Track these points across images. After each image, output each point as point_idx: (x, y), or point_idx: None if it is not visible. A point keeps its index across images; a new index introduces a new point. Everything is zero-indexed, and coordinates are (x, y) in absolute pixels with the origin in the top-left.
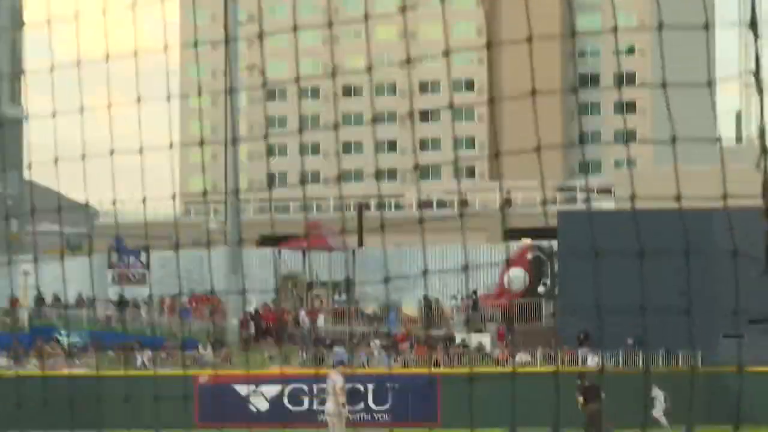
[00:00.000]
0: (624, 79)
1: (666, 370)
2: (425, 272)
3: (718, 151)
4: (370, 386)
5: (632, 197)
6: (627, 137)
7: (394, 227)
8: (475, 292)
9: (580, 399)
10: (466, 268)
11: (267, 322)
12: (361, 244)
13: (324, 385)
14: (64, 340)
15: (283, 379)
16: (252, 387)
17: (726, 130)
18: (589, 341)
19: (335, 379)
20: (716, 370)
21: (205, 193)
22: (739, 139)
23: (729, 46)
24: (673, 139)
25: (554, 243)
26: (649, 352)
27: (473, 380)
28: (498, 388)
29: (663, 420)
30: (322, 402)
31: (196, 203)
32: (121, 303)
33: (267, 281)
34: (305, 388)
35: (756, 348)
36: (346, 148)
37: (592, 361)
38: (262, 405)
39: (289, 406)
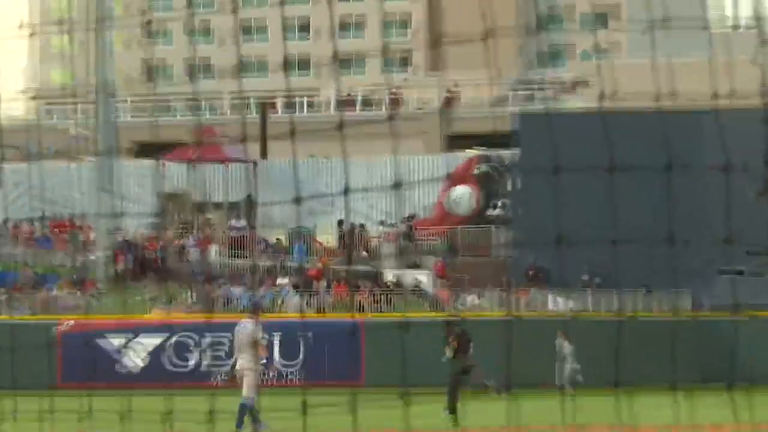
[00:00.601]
0: None
1: (644, 314)
2: (346, 191)
3: (707, 40)
4: (277, 336)
5: (602, 95)
6: (597, 21)
7: (306, 133)
8: (410, 218)
9: (453, 345)
10: (398, 185)
11: (146, 254)
12: (264, 154)
13: (223, 336)
14: None
15: (167, 327)
16: (128, 336)
17: (718, 13)
18: (540, 278)
19: (252, 328)
20: (707, 315)
21: (71, 92)
22: (735, 26)
23: None
24: (654, 25)
25: (508, 153)
26: (623, 293)
27: (405, 328)
28: (437, 338)
29: (567, 381)
30: (217, 356)
31: (58, 103)
32: None
33: (146, 202)
34: (194, 337)
35: (754, 287)
36: (247, 31)
37: (554, 303)
38: (140, 359)
39: (175, 361)
